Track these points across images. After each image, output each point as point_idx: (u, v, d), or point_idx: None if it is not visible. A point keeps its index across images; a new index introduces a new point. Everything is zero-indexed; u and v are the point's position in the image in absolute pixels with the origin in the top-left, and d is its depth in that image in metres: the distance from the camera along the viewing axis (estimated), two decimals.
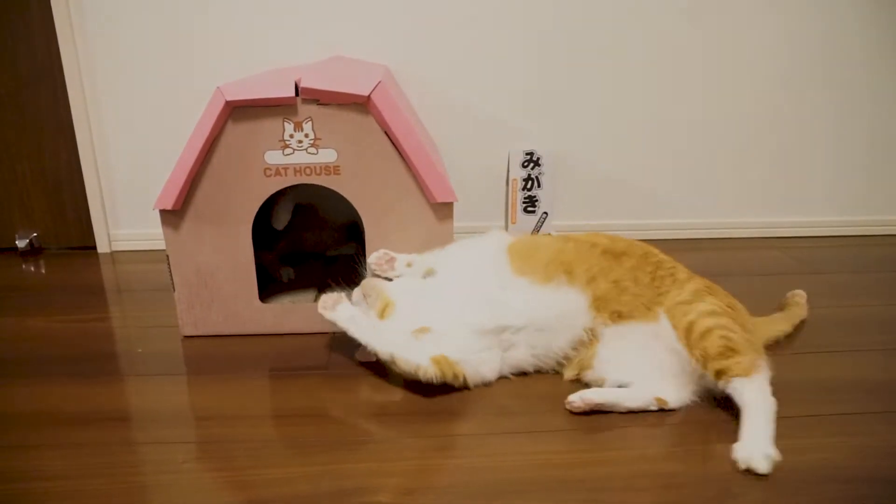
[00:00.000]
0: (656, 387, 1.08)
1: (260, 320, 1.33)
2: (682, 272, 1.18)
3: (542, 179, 1.86)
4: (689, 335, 1.07)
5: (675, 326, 1.09)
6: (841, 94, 1.84)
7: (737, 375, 1.01)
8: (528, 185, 1.86)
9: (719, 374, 1.03)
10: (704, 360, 1.04)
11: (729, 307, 1.11)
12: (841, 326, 1.38)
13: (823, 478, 0.93)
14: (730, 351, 1.03)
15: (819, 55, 1.80)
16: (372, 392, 1.15)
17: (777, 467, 0.94)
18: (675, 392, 1.08)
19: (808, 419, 1.05)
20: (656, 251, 1.22)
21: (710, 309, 1.09)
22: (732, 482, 0.92)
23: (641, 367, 1.11)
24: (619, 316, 1.14)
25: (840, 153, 1.89)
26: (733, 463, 0.95)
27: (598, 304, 1.15)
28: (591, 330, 1.15)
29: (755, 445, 0.95)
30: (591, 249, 1.20)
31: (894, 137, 1.89)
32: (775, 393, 1.03)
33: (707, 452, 0.98)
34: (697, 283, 1.16)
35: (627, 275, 1.16)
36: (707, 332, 1.05)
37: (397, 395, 1.14)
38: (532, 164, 1.84)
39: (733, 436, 1.00)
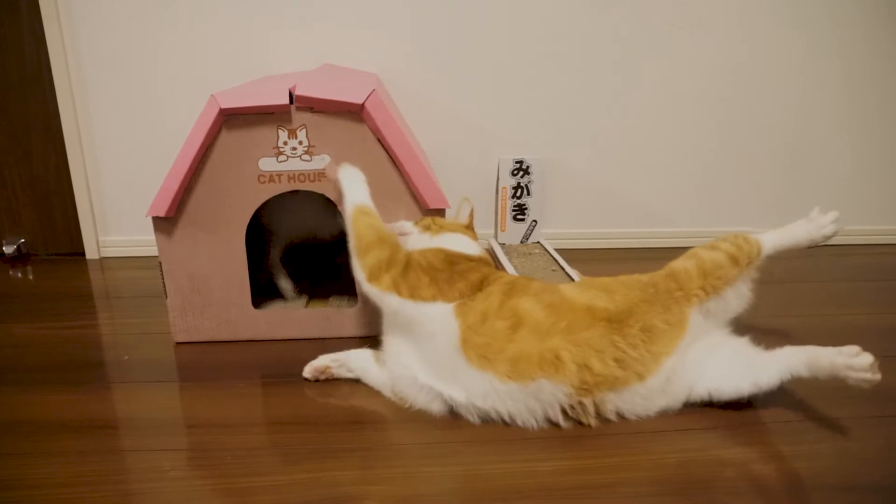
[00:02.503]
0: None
1: (253, 327, 1.33)
2: (679, 276, 1.10)
3: (532, 188, 1.87)
4: (738, 262, 1.11)
5: (728, 277, 1.10)
6: (831, 106, 1.87)
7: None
8: (518, 194, 1.88)
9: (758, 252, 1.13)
10: (751, 257, 1.12)
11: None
12: (830, 335, 1.40)
13: (809, 485, 0.94)
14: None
15: (809, 66, 1.83)
16: (360, 400, 1.15)
17: (764, 475, 0.95)
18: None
19: (795, 425, 1.06)
20: (662, 275, 1.12)
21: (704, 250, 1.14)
22: (719, 490, 0.93)
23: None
24: (625, 382, 1.03)
25: (827, 164, 1.93)
26: (720, 471, 0.96)
27: (594, 387, 1.02)
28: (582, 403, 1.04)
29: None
30: (590, 321, 1.04)
31: (880, 148, 1.92)
32: (763, 400, 1.05)
33: (693, 460, 0.99)
34: (686, 261, 1.13)
35: (638, 338, 1.03)
36: (733, 248, 1.12)
37: (385, 402, 1.14)
38: (521, 173, 1.85)
39: (720, 442, 1.01)
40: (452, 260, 1.13)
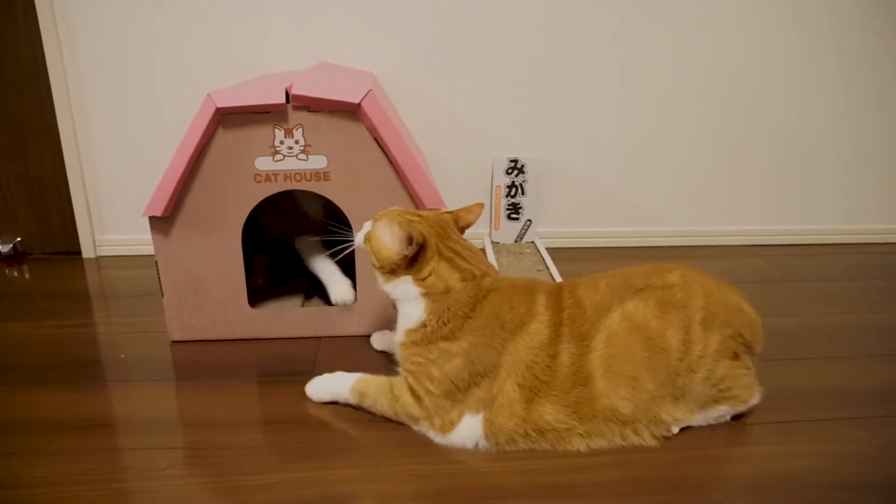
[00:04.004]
0: None
1: (249, 325, 1.33)
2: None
3: (526, 187, 1.87)
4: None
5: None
6: (830, 106, 1.87)
7: None
8: (512, 193, 1.88)
9: None
10: None
11: None
12: (825, 334, 1.40)
13: (805, 484, 0.94)
14: None
15: (804, 67, 1.83)
16: None
17: (759, 473, 0.95)
18: None
19: (790, 425, 1.06)
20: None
21: None
22: (713, 489, 0.93)
23: None
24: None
25: (826, 164, 1.92)
26: (717, 470, 0.96)
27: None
28: None
29: None
30: (609, 421, 1.02)
31: (875, 148, 1.92)
32: (762, 401, 1.05)
33: (689, 458, 0.99)
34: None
35: (646, 430, 1.03)
36: None
37: None
38: (516, 172, 1.85)
39: (717, 442, 1.02)
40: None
